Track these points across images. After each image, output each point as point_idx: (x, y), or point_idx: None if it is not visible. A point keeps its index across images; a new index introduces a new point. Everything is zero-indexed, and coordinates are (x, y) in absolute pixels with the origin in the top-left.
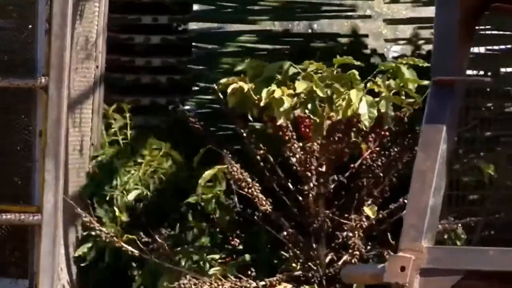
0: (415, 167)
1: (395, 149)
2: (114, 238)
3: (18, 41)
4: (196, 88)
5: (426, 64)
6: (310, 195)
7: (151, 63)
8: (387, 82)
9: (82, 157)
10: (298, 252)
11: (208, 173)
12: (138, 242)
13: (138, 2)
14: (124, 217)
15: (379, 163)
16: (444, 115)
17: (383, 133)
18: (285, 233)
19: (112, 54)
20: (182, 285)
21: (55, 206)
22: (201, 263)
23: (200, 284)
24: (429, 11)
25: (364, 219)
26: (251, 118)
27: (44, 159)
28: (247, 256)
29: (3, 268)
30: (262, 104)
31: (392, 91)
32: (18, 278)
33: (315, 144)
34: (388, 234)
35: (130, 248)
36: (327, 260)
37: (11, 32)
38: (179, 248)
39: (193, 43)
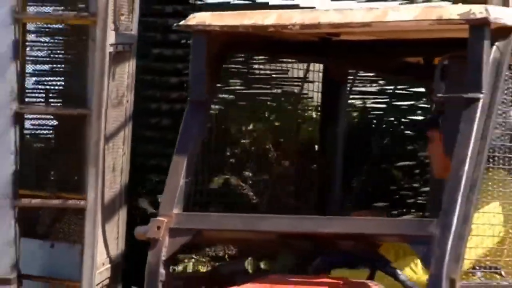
0: (172, 160)
1: None
2: None
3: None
4: None
5: None
6: None
7: None
8: None
9: (114, 172)
10: None
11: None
12: None
13: None
14: None
15: None
16: (196, 126)
17: None
18: None
19: None
20: None
21: (95, 200)
22: None
23: None
24: None
25: None
26: None
27: (88, 166)
28: None
29: (67, 236)
30: None
31: None
32: (74, 243)
33: None
34: None
35: None
36: None
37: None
38: None
39: None
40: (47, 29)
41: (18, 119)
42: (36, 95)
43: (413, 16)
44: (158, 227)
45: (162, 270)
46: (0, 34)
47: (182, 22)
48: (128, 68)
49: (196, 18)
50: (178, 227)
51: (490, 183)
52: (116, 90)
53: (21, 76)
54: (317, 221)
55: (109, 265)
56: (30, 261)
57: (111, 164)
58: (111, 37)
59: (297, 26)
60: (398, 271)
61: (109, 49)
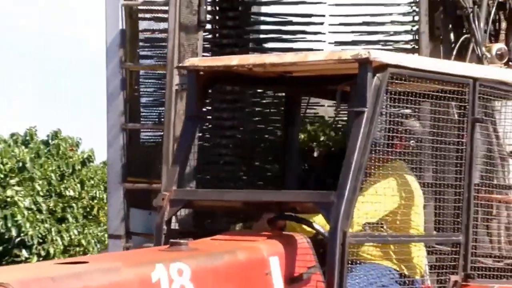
0: (174, 154)
1: None
2: None
3: None
4: None
5: None
6: None
7: None
8: None
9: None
10: None
11: None
12: None
13: None
14: None
15: None
16: (190, 131)
17: None
18: None
19: None
20: None
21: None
22: None
23: None
24: None
25: None
26: None
27: (162, 163)
28: None
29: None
30: None
31: None
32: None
33: None
34: None
35: None
36: None
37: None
38: None
39: None
40: (149, 74)
41: (124, 130)
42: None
43: (323, 57)
44: (163, 199)
45: (164, 227)
46: (112, 77)
47: (180, 64)
48: None
49: (189, 62)
50: (175, 198)
51: (390, 169)
52: (183, 111)
53: (127, 103)
54: (259, 193)
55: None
56: (137, 224)
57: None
58: (176, 80)
59: (251, 65)
60: (314, 224)
61: (175, 87)
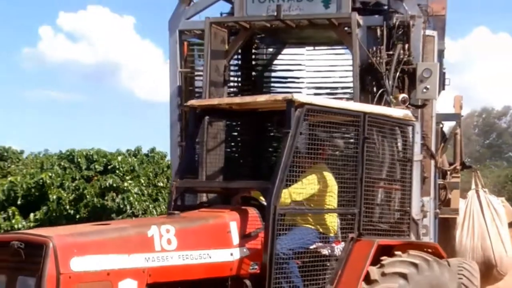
0: (180, 159)
1: None
2: None
3: None
4: None
5: None
6: None
7: None
8: None
9: (212, 167)
10: None
11: None
12: None
13: None
14: None
15: None
16: (190, 145)
17: None
18: None
19: None
20: None
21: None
22: None
23: None
24: None
25: None
26: None
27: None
28: None
29: None
30: None
31: None
32: None
33: None
34: None
35: None
36: None
37: None
38: None
39: None
40: None
41: (180, 146)
42: None
43: (265, 99)
44: (172, 186)
45: (172, 203)
46: (173, 113)
47: (184, 104)
48: (221, 126)
49: (190, 102)
50: (179, 186)
51: (312, 168)
52: (214, 133)
53: (182, 129)
54: (230, 183)
55: None
56: (188, 203)
57: (211, 165)
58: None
59: (225, 104)
60: (261, 200)
61: (207, 121)
